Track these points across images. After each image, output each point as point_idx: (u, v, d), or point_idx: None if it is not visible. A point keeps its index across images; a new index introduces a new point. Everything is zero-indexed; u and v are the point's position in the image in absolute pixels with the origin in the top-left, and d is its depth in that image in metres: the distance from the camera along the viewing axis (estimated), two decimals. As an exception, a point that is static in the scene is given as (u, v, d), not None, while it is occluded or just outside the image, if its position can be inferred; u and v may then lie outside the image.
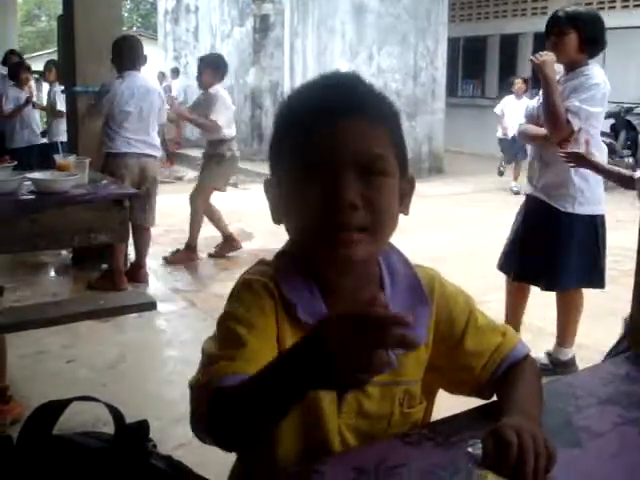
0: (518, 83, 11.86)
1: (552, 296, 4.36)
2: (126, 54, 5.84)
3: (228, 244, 7.08)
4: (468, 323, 1.28)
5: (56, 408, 1.18)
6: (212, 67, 6.88)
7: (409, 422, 1.26)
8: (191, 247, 6.92)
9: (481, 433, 1.13)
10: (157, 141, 6.09)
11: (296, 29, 13.29)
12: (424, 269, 1.29)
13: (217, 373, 1.05)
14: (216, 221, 6.99)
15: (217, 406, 1.01)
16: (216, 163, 6.82)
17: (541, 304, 4.71)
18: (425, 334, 1.24)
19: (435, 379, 1.30)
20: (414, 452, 1.12)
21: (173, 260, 6.77)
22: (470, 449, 1.07)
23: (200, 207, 6.86)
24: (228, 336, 1.12)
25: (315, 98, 1.14)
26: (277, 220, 1.21)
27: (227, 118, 6.88)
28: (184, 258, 6.84)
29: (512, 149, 11.37)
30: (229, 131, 6.89)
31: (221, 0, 15.10)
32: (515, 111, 10.60)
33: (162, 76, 16.41)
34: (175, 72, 16.77)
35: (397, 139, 1.17)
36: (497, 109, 12.12)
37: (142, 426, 1.16)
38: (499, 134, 12.03)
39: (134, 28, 30.19)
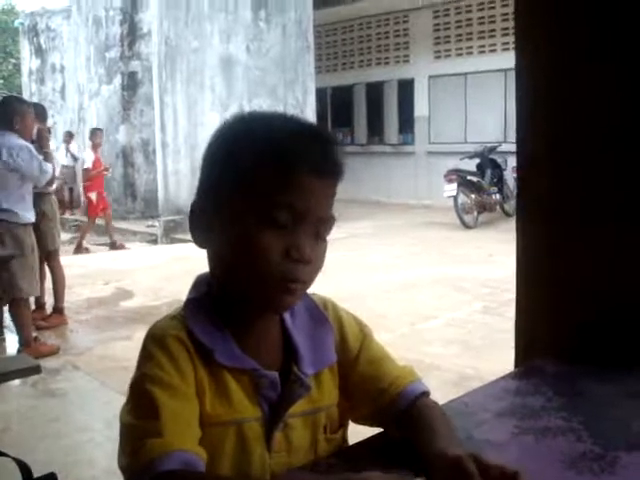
0: None
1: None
2: None
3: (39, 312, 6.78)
4: (362, 347, 1.29)
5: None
6: (43, 115, 6.64)
7: (334, 447, 1.27)
8: (61, 310, 6.73)
9: (389, 457, 1.17)
10: (9, 203, 5.61)
11: (165, 85, 13.30)
12: (316, 295, 1.31)
13: (150, 455, 1.02)
14: (43, 284, 6.72)
15: None
16: (47, 221, 6.56)
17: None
18: (334, 355, 1.26)
19: (341, 403, 1.30)
20: (325, 477, 1.13)
21: (46, 325, 6.54)
22: None
23: (60, 268, 6.69)
24: (147, 403, 1.07)
25: (297, 147, 1.11)
26: (202, 245, 1.19)
27: None
28: (56, 322, 6.65)
29: None
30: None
31: (87, 58, 14.95)
32: None
33: (69, 136, 15.75)
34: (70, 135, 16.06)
35: None
36: None
37: (50, 479, 1.13)
38: None
39: (-4, 90, 29.36)
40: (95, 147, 12.03)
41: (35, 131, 6.04)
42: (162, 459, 1.02)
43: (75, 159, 14.94)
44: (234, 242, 1.13)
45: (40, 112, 6.73)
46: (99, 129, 12.57)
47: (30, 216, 5.76)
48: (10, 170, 5.55)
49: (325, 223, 1.14)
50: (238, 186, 1.12)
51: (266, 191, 1.10)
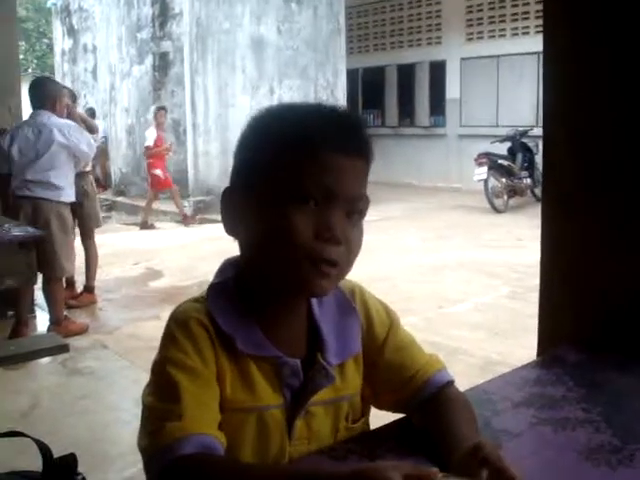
0: None
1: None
2: (29, 94, 5.72)
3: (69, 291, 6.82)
4: (389, 334, 1.29)
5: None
6: (73, 97, 6.62)
7: None
8: (91, 289, 6.81)
9: (407, 445, 1.17)
10: (60, 181, 5.67)
11: (196, 66, 13.30)
12: (344, 280, 1.28)
13: (169, 438, 1.04)
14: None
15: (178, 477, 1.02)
16: (90, 200, 6.67)
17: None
18: (359, 344, 1.26)
19: (364, 390, 1.30)
20: (342, 466, 1.14)
21: (76, 304, 6.62)
22: None
23: (95, 247, 6.75)
24: (168, 385, 1.09)
25: (322, 128, 1.12)
26: (233, 233, 1.20)
27: None
28: (86, 301, 6.73)
29: None
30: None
31: (119, 39, 14.98)
32: None
33: (90, 114, 15.77)
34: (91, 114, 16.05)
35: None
36: None
37: (70, 460, 1.15)
38: None
39: (29, 70, 29.60)
40: (159, 125, 12.03)
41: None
42: (181, 442, 1.03)
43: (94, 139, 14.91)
44: (265, 224, 1.13)
45: (71, 95, 6.78)
46: (163, 107, 12.53)
47: (72, 194, 5.83)
48: (65, 148, 5.62)
49: (357, 202, 1.14)
50: (269, 168, 1.13)
51: (296, 171, 1.10)
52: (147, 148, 11.97)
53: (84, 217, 6.49)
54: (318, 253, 1.10)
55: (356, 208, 1.14)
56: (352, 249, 1.14)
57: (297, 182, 1.10)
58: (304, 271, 1.11)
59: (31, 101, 5.74)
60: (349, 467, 0.96)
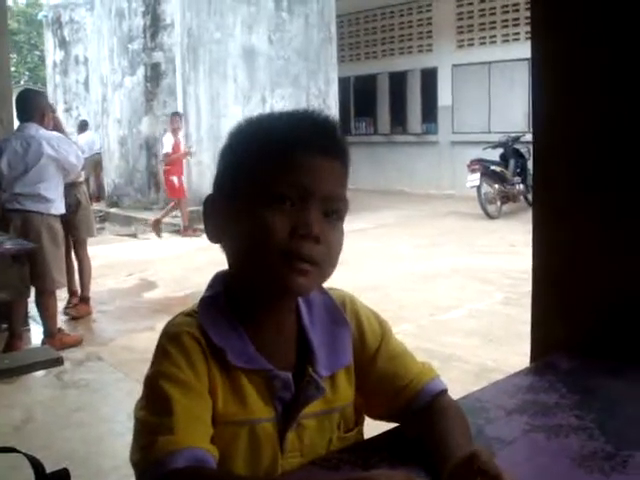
0: None
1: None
2: (16, 106, 5.70)
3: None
4: (381, 344, 1.28)
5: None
6: (52, 109, 6.61)
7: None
8: (87, 300, 6.80)
9: (400, 454, 1.17)
10: (49, 193, 5.61)
11: (188, 76, 13.32)
12: (335, 290, 1.31)
13: (161, 452, 1.03)
14: (72, 274, 6.76)
15: None
16: (83, 210, 6.65)
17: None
18: (350, 356, 1.26)
19: (357, 400, 1.29)
20: (334, 476, 1.13)
21: (76, 314, 6.61)
22: None
23: (88, 258, 6.73)
24: (160, 399, 1.09)
25: (294, 131, 1.15)
26: (216, 240, 1.21)
27: None
28: (82, 311, 6.72)
29: None
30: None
31: (111, 50, 14.98)
32: None
33: (80, 127, 15.72)
34: (83, 126, 15.99)
35: (347, 185, 1.21)
36: None
37: (62, 474, 1.14)
38: None
39: (22, 82, 29.59)
40: (174, 131, 11.92)
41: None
42: (174, 456, 1.03)
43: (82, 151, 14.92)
44: (244, 228, 1.14)
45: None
46: (178, 113, 12.41)
47: (62, 206, 5.80)
48: (54, 161, 5.58)
49: (334, 202, 1.15)
50: (248, 174, 1.15)
51: (271, 173, 1.12)
52: (166, 155, 11.89)
53: (76, 227, 6.47)
54: (295, 251, 1.10)
55: (334, 208, 1.15)
56: (332, 248, 1.15)
57: (275, 184, 1.12)
58: (280, 269, 1.11)
59: (18, 113, 5.72)
60: (342, 476, 0.96)
